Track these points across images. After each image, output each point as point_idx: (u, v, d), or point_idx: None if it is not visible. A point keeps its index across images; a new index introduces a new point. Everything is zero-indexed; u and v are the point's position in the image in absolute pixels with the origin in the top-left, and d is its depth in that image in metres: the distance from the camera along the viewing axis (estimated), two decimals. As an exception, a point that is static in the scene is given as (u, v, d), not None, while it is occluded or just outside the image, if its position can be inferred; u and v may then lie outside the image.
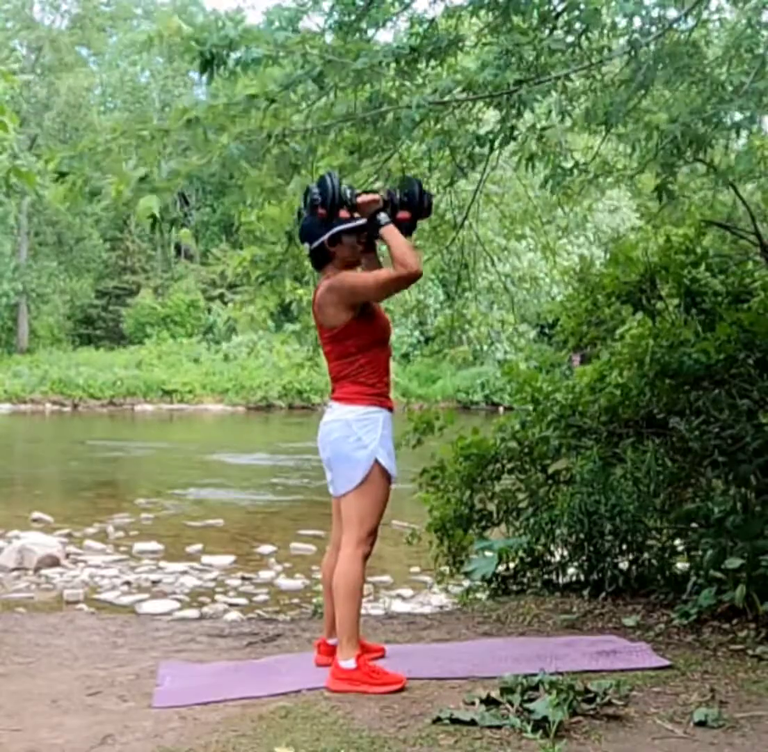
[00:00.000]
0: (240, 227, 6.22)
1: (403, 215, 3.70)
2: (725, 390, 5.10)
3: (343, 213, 3.56)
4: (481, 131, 5.21)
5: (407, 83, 4.66)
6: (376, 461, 3.60)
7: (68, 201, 4.55)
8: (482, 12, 4.84)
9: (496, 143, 5.06)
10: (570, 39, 4.45)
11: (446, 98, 4.40)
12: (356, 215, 3.63)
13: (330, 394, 3.80)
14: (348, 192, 3.56)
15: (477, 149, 5.26)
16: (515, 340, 34.77)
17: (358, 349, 3.67)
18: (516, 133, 5.02)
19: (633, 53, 4.00)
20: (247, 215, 6.04)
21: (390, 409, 3.73)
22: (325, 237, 3.66)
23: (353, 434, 3.62)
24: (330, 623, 3.79)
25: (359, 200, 3.60)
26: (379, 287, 3.63)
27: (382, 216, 3.61)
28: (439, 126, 5.08)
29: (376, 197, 3.65)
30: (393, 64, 4.45)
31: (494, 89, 4.16)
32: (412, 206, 3.73)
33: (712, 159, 4.79)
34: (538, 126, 5.29)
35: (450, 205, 6.59)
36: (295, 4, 4.67)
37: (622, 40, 4.48)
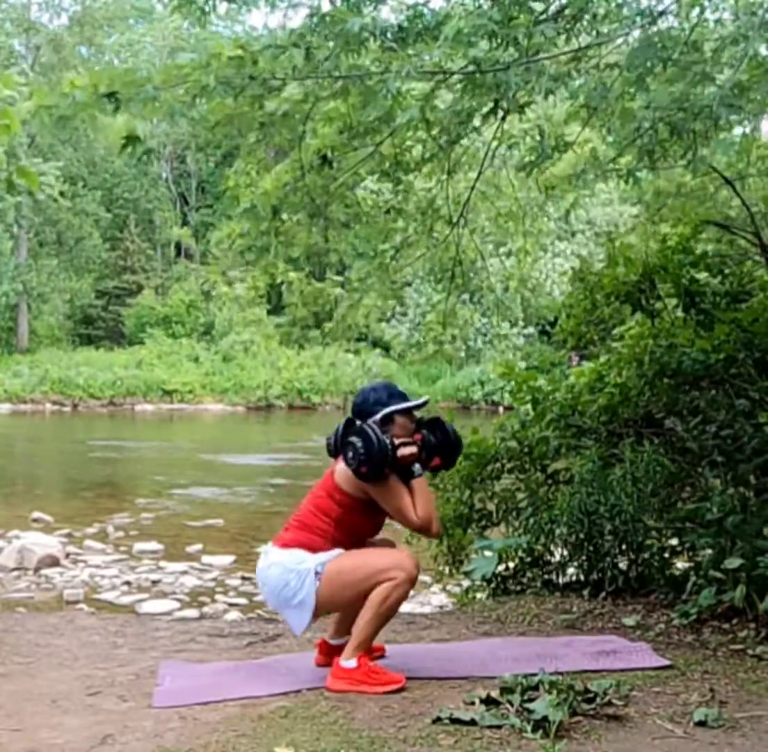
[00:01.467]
0: (226, 192, 6.24)
1: (436, 462, 3.77)
2: (724, 390, 5.11)
3: (388, 469, 3.56)
4: (476, 123, 5.22)
5: (395, 60, 4.64)
6: (318, 573, 3.54)
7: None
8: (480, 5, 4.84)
9: (478, 120, 5.06)
10: (562, 25, 4.46)
11: (429, 70, 4.40)
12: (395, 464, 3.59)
13: (277, 535, 3.78)
14: (389, 448, 3.52)
15: (461, 130, 5.25)
16: (513, 339, 34.86)
17: (336, 522, 3.64)
18: (500, 110, 5.02)
19: (622, 40, 4.01)
20: (235, 180, 6.03)
21: None
22: (378, 416, 3.64)
23: (291, 571, 3.57)
24: (338, 624, 3.80)
25: (399, 453, 3.56)
26: (398, 518, 3.64)
27: (417, 467, 3.63)
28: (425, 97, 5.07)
29: (414, 450, 3.62)
30: (380, 40, 4.45)
31: (477, 65, 4.16)
32: (444, 452, 3.77)
33: (694, 147, 4.75)
34: (520, 101, 5.27)
35: (446, 200, 6.58)
36: None
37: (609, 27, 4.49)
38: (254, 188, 5.92)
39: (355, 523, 3.67)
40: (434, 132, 5.46)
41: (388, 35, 4.48)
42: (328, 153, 5.47)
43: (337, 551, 3.61)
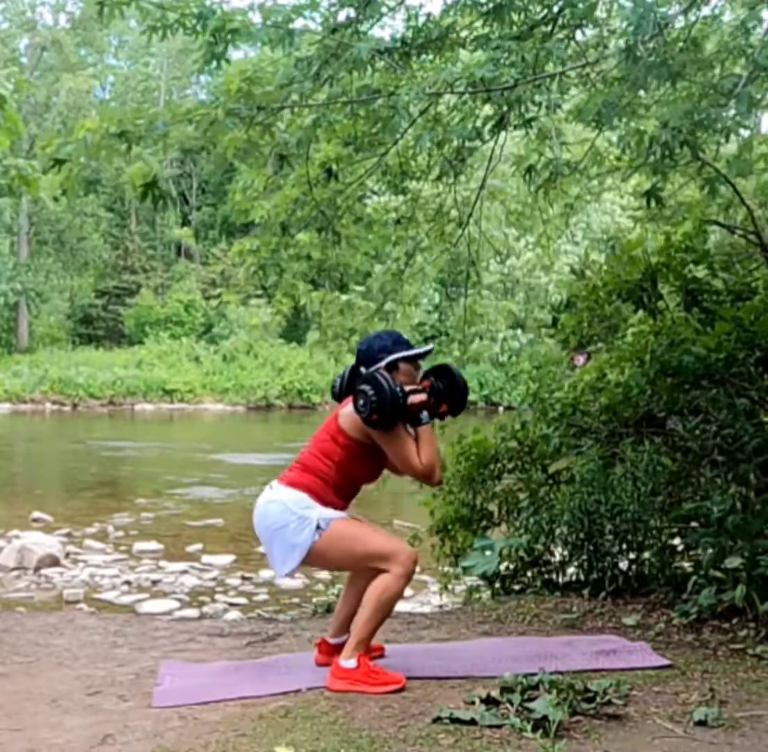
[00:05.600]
0: (232, 201, 6.30)
1: (443, 408, 3.74)
2: (724, 389, 5.10)
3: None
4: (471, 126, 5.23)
5: (400, 76, 4.66)
6: (320, 528, 3.54)
7: (65, 187, 4.55)
8: (479, 9, 4.84)
9: (486, 135, 5.07)
10: (563, 34, 4.46)
11: (442, 90, 4.41)
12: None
13: (282, 473, 3.75)
14: (400, 396, 3.53)
15: (468, 142, 5.27)
16: (511, 341, 34.85)
17: (338, 465, 3.64)
18: (507, 125, 5.04)
19: (629, 54, 3.99)
20: (240, 194, 6.08)
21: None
22: (383, 364, 3.64)
23: (294, 514, 3.57)
24: (338, 623, 3.79)
25: (410, 400, 3.57)
26: (401, 465, 3.63)
27: (425, 415, 3.64)
28: (431, 116, 5.09)
29: (424, 397, 3.64)
30: (385, 58, 4.46)
31: (490, 84, 4.17)
32: (451, 398, 3.75)
33: (702, 162, 4.79)
34: (527, 116, 5.28)
35: (454, 202, 6.60)
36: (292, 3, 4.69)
37: (619, 40, 4.48)
38: (262, 205, 5.96)
39: (356, 468, 3.67)
40: (444, 149, 5.50)
41: (395, 55, 4.50)
42: (333, 166, 5.50)
43: (344, 514, 3.62)
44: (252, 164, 5.51)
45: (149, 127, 4.35)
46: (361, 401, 3.53)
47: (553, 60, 4.30)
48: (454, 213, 6.66)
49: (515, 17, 4.72)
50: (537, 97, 4.43)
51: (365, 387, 3.52)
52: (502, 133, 5.54)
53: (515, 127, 5.30)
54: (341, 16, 4.63)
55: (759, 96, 4.25)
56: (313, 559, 3.63)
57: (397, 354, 3.66)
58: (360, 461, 3.66)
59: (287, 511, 3.58)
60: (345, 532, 3.58)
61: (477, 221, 6.76)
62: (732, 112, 4.11)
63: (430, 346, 3.92)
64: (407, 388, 3.59)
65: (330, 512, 3.59)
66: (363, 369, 3.71)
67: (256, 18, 4.41)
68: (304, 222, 5.88)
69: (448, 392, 3.73)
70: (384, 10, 4.72)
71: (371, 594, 3.53)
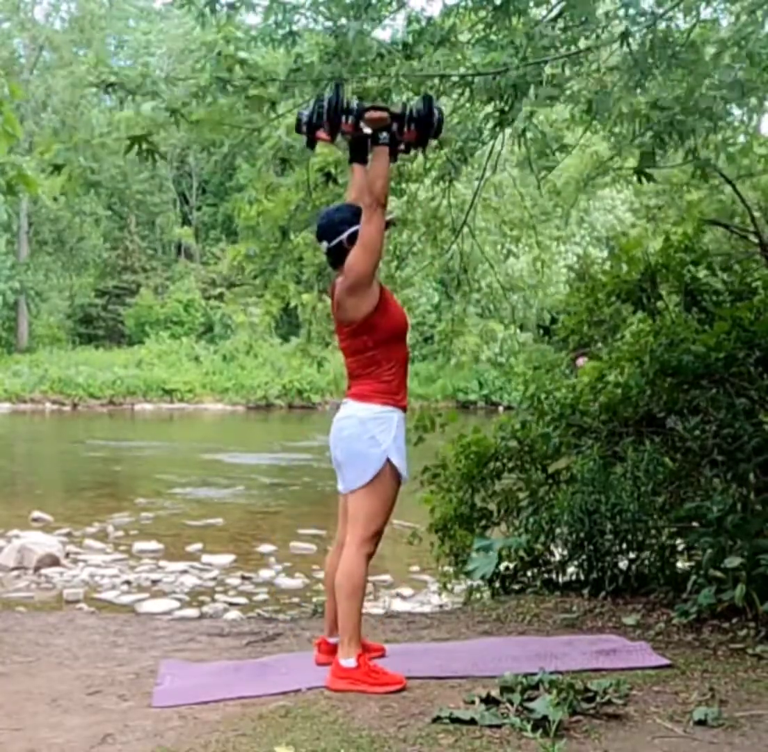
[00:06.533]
0: (239, 216, 6.30)
1: (410, 134, 3.66)
2: (724, 389, 5.11)
3: (347, 125, 3.53)
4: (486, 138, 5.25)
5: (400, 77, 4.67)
6: (388, 461, 3.58)
7: (67, 190, 4.56)
8: (480, 11, 4.85)
9: (486, 133, 5.07)
10: (561, 33, 4.47)
11: (441, 88, 4.42)
12: (361, 126, 3.57)
13: (346, 390, 3.77)
14: (355, 103, 3.55)
15: (469, 143, 5.28)
16: (509, 340, 34.77)
17: (375, 344, 3.64)
18: (507, 123, 5.04)
19: (624, 43, 3.99)
20: (247, 211, 6.09)
21: (404, 409, 3.71)
22: (345, 235, 3.62)
23: (367, 432, 3.58)
24: (331, 621, 3.78)
25: (368, 114, 3.55)
26: (363, 244, 3.56)
27: (383, 135, 3.56)
28: None
29: (384, 115, 3.59)
30: (386, 60, 4.47)
31: (487, 72, 4.18)
32: (421, 125, 3.67)
33: (696, 150, 4.75)
34: (527, 111, 5.28)
35: (449, 207, 6.60)
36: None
37: (613, 29, 4.49)
38: (262, 209, 5.98)
39: (386, 334, 3.64)
40: (444, 150, 5.50)
41: (395, 57, 4.51)
42: (331, 170, 5.50)
43: (405, 476, 3.65)
44: (251, 163, 5.53)
45: (142, 82, 4.37)
46: (316, 105, 3.55)
47: (545, 46, 4.30)
48: (452, 215, 6.66)
49: (515, 21, 4.72)
50: (536, 91, 4.43)
51: (322, 94, 3.60)
52: (500, 140, 5.56)
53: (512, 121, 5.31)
54: (341, 19, 4.64)
55: (761, 93, 4.25)
56: (376, 482, 3.60)
57: (358, 225, 3.61)
58: (381, 324, 3.62)
59: (360, 424, 3.59)
60: (389, 488, 3.60)
61: (472, 232, 6.77)
62: (736, 110, 4.13)
63: (392, 214, 3.89)
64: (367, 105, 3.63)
65: (397, 454, 3.59)
66: (325, 244, 3.69)
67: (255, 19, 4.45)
68: (303, 226, 5.89)
69: (420, 119, 3.66)
70: (384, 13, 4.73)
71: (339, 586, 3.57)
